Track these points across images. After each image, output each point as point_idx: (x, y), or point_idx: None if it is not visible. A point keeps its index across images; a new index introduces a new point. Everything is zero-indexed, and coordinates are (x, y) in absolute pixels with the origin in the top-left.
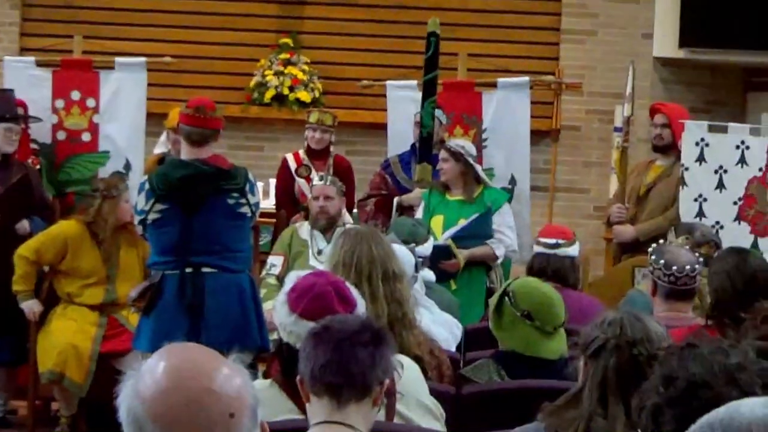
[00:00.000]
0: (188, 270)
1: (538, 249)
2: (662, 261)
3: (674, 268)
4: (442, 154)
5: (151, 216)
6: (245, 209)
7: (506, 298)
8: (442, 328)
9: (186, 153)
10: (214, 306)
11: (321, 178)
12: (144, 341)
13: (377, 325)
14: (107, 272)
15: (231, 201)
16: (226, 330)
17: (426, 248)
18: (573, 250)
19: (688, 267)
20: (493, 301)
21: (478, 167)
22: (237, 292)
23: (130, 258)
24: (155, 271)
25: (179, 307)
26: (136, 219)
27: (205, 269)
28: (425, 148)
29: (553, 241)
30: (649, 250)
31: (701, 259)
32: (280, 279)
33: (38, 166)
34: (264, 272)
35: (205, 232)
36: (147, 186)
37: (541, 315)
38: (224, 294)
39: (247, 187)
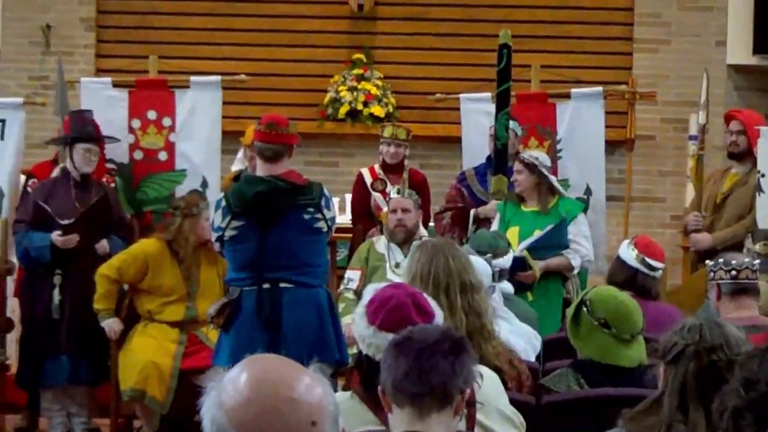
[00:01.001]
0: (265, 286)
1: (634, 264)
2: (721, 260)
3: (734, 262)
4: (517, 165)
5: (228, 233)
6: (321, 224)
7: (583, 307)
8: (520, 338)
9: (261, 169)
10: (291, 321)
11: (398, 191)
12: (224, 357)
13: (457, 334)
14: (188, 289)
15: (307, 216)
16: (304, 344)
17: (506, 260)
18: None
19: (747, 260)
20: (570, 310)
21: (553, 178)
22: (314, 307)
23: (210, 275)
24: (233, 288)
25: (257, 322)
26: (213, 236)
27: (283, 284)
28: (500, 160)
29: (659, 265)
30: (707, 263)
31: (758, 262)
32: (358, 293)
33: (113, 185)
34: (342, 287)
35: (281, 247)
36: (223, 203)
37: (618, 323)
38: (302, 309)
39: (323, 202)
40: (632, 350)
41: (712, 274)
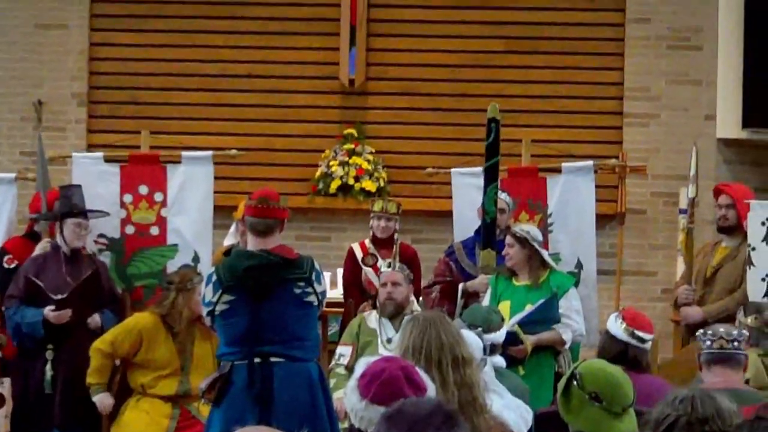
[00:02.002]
0: (257, 360)
1: (623, 337)
2: (700, 331)
3: (709, 332)
4: (508, 239)
5: (219, 307)
6: (312, 298)
7: (574, 381)
8: (512, 412)
9: (252, 244)
10: (283, 396)
11: (389, 265)
12: None
13: (449, 407)
14: (181, 363)
15: (298, 290)
16: (295, 419)
17: (499, 335)
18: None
19: (722, 330)
20: (561, 384)
21: (544, 252)
22: (306, 382)
23: (203, 350)
24: (224, 362)
25: (249, 397)
26: (204, 311)
27: (274, 359)
28: (489, 234)
29: (649, 336)
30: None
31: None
32: (349, 369)
33: (105, 248)
34: (333, 362)
35: (272, 321)
36: (214, 277)
37: (609, 396)
38: (293, 383)
39: (314, 276)
40: (624, 423)
41: (698, 346)
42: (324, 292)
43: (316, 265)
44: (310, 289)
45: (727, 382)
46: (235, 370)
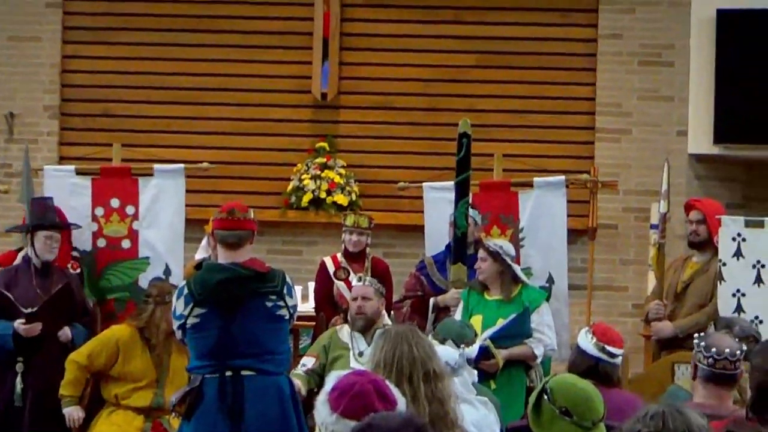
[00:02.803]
0: (228, 373)
1: (594, 352)
2: (703, 343)
3: (713, 350)
4: (481, 253)
5: (191, 320)
6: (283, 311)
7: (544, 396)
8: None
9: (223, 257)
10: (254, 409)
11: (360, 279)
12: None
13: (420, 420)
14: (157, 376)
15: (269, 303)
16: None
17: (472, 350)
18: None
19: (727, 350)
20: (531, 398)
21: (516, 267)
22: (277, 395)
23: (180, 363)
24: (195, 375)
25: (219, 411)
26: (175, 324)
27: (245, 372)
28: (460, 248)
29: (619, 351)
30: (695, 336)
31: (743, 350)
32: (307, 374)
33: (78, 270)
34: (295, 369)
35: (243, 335)
36: (186, 291)
37: (579, 411)
38: (264, 397)
39: (285, 290)
40: None
41: (694, 350)
42: (295, 306)
43: (288, 279)
44: (281, 303)
45: (707, 407)
46: (205, 383)
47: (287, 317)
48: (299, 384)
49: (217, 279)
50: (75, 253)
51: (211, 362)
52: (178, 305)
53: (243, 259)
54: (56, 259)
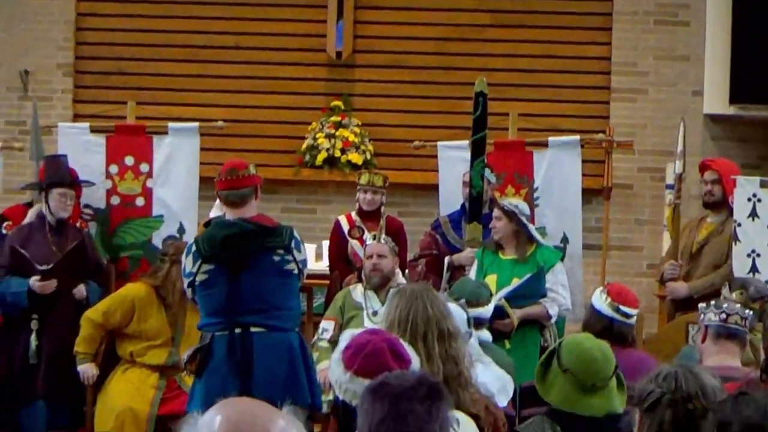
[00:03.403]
0: (237, 330)
1: (608, 312)
2: (713, 302)
3: (725, 306)
4: (496, 212)
5: (199, 277)
6: (291, 266)
7: (555, 355)
8: (497, 381)
9: (230, 215)
10: (263, 366)
11: (374, 237)
12: (197, 403)
13: (434, 380)
14: (172, 335)
15: (276, 258)
16: (276, 389)
17: (487, 310)
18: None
19: (738, 306)
20: (542, 358)
21: (531, 227)
22: (286, 351)
23: (195, 322)
24: (205, 333)
25: (229, 368)
26: (185, 282)
27: (254, 329)
28: (475, 207)
29: (633, 312)
30: (699, 306)
31: (750, 313)
32: (332, 343)
33: (86, 230)
34: (316, 336)
35: (252, 291)
36: (194, 248)
37: (581, 371)
38: (273, 353)
39: (293, 244)
40: (596, 399)
41: (702, 315)
42: (304, 261)
43: (296, 233)
44: (289, 257)
45: (723, 368)
46: (215, 340)
47: (296, 272)
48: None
49: (223, 234)
50: (87, 211)
51: (219, 319)
52: (188, 263)
53: (250, 215)
54: (70, 217)
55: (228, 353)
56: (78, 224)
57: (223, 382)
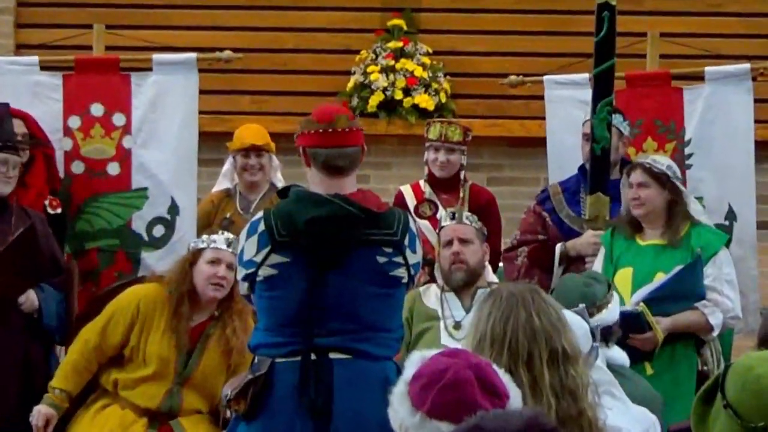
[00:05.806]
0: (312, 356)
1: None
2: None
3: None
4: (638, 176)
5: (264, 271)
6: (401, 272)
7: (719, 384)
8: (637, 425)
9: (322, 187)
10: (347, 406)
11: (453, 216)
12: None
13: (549, 423)
14: (177, 369)
15: (381, 259)
16: None
17: (609, 315)
18: None
19: None
20: (703, 388)
21: (692, 198)
22: (380, 388)
23: (215, 362)
24: (261, 357)
25: (298, 408)
26: (240, 273)
27: (334, 355)
28: (599, 171)
29: None
30: None
31: None
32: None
33: (59, 210)
34: None
35: (340, 301)
36: (261, 226)
37: (747, 407)
38: (362, 391)
39: (407, 240)
40: None
41: None
42: (418, 264)
43: (411, 225)
44: (399, 259)
45: None
46: (278, 369)
47: (405, 280)
48: None
49: (312, 215)
50: (55, 200)
51: (288, 339)
52: (248, 247)
53: (349, 190)
54: (13, 193)
55: (298, 389)
56: (47, 203)
57: (288, 428)
